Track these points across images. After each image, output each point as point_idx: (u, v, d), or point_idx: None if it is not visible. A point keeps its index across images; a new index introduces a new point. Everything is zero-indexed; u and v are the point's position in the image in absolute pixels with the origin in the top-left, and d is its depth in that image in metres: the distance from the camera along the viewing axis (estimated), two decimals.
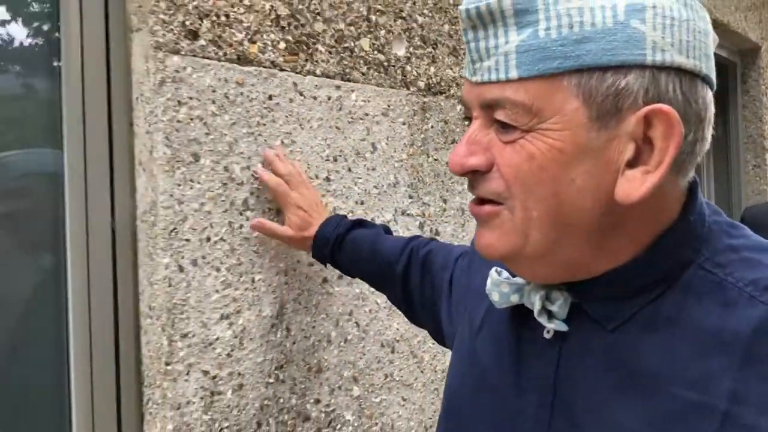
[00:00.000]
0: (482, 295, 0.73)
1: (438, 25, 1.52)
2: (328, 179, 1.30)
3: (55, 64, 1.09)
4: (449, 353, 0.86)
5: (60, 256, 1.08)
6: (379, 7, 1.39)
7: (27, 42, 1.11)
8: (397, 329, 1.42)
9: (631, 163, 0.57)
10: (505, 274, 0.69)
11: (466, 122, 1.53)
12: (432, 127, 1.50)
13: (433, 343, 1.35)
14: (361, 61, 1.36)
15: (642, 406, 0.58)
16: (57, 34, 1.08)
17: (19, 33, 1.10)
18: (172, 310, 1.08)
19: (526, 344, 0.68)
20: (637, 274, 0.61)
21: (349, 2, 1.33)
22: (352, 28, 1.34)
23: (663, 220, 0.61)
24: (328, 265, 1.18)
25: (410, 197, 1.44)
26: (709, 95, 0.60)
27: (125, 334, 1.10)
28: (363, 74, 1.36)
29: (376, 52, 1.38)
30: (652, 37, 0.55)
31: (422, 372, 1.48)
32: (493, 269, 0.69)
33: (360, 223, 1.15)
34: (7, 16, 1.08)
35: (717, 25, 2.82)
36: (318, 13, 1.28)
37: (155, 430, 1.08)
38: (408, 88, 1.45)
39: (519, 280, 0.67)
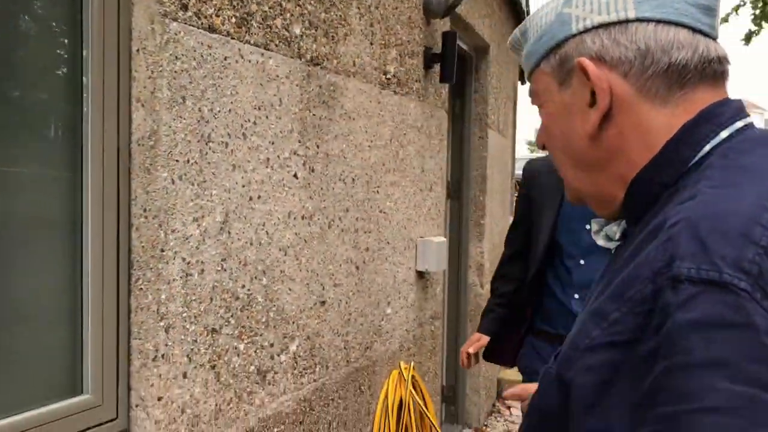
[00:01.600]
0: None
1: (318, 13, 2.01)
2: (254, 123, 1.74)
3: (78, 20, 1.38)
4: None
5: (79, 167, 1.39)
6: None
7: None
8: (290, 238, 1.91)
9: (591, 105, 0.74)
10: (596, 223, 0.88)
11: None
12: (312, 89, 2.00)
13: (314, 255, 1.88)
14: (276, 36, 1.81)
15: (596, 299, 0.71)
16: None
17: None
18: (168, 212, 1.47)
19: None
20: (625, 204, 0.76)
21: None
22: (271, 10, 1.78)
23: (647, 154, 0.73)
24: None
25: (299, 141, 1.94)
26: (652, 28, 0.71)
27: (124, 229, 1.45)
28: (276, 45, 1.81)
29: (284, 30, 1.84)
30: (576, 13, 0.75)
31: (300, 270, 1.99)
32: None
33: None
34: None
35: (466, 27, 3.67)
36: None
37: (146, 300, 1.46)
38: (301, 59, 1.93)
39: (600, 220, 0.86)
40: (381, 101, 2.45)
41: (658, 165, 0.72)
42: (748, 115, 0.74)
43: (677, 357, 0.55)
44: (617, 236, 0.82)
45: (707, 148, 0.70)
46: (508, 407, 5.12)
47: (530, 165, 2.33)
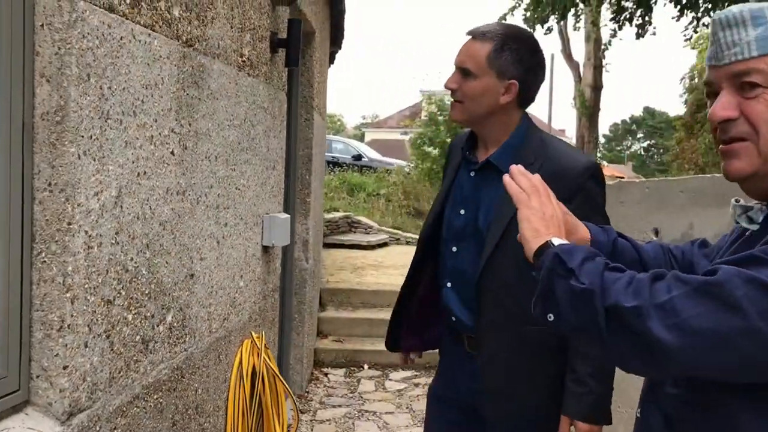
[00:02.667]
0: None
1: None
2: (142, 102, 1.80)
3: None
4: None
5: None
6: None
7: None
8: (167, 213, 1.99)
9: None
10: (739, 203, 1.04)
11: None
12: (187, 70, 2.07)
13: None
14: (160, 18, 1.87)
15: None
16: None
17: None
18: (75, 186, 1.50)
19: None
20: None
21: None
22: None
23: None
24: None
25: (176, 120, 2.01)
26: None
27: (28, 202, 1.46)
28: (160, 27, 1.87)
29: (166, 12, 1.91)
30: None
31: (175, 244, 2.07)
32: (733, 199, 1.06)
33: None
34: None
35: (299, 14, 3.83)
36: None
37: (51, 273, 1.49)
38: (178, 41, 2.00)
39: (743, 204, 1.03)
40: (238, 82, 2.57)
41: None
42: None
43: None
44: (760, 219, 0.99)
45: None
46: (326, 374, 5.44)
47: (453, 140, 2.21)
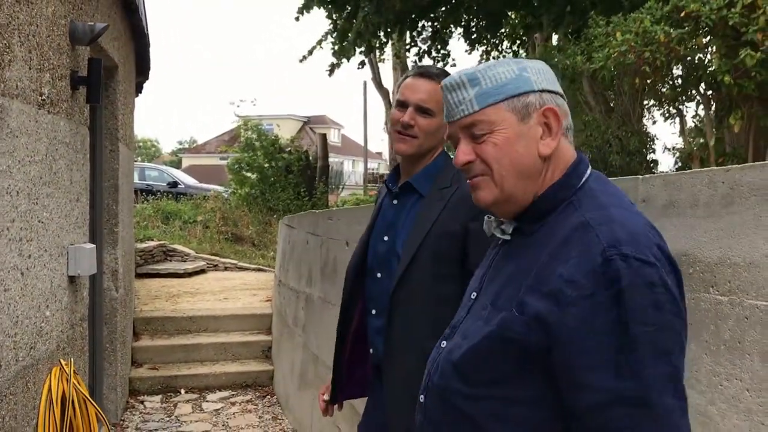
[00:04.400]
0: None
1: None
2: None
3: None
4: None
5: None
6: None
7: None
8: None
9: (542, 137, 1.18)
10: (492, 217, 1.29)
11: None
12: None
13: None
14: None
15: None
16: None
17: None
18: None
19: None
20: (544, 201, 1.19)
21: None
22: None
23: (563, 169, 1.20)
24: None
25: None
26: (561, 99, 1.22)
27: None
28: None
29: None
30: (532, 78, 1.20)
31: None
32: (486, 216, 1.30)
33: None
34: None
35: (101, 50, 3.93)
36: None
37: None
38: None
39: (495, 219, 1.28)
40: (38, 120, 2.69)
41: (560, 185, 1.19)
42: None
43: (633, 302, 1.01)
44: (510, 230, 1.24)
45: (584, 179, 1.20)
46: (142, 401, 5.44)
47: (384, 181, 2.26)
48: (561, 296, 1.05)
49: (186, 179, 23.11)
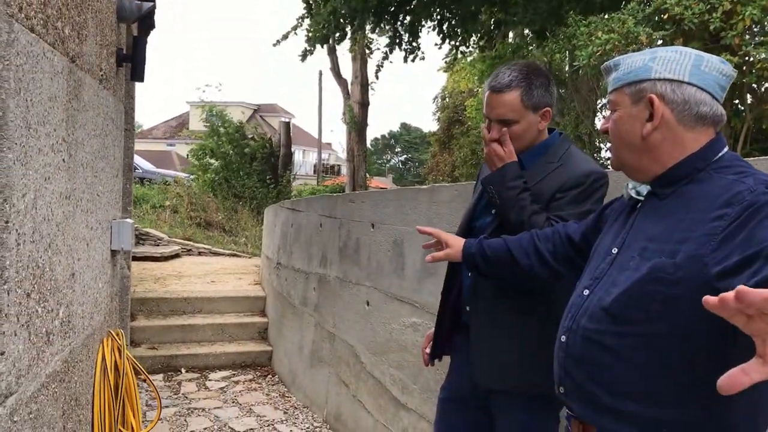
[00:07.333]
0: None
1: (73, 16, 2.27)
2: (47, 113, 1.97)
3: None
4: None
5: None
6: None
7: None
8: (61, 215, 2.15)
9: (647, 120, 1.41)
10: (631, 183, 1.54)
11: None
12: (72, 84, 2.25)
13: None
14: (58, 37, 2.05)
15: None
16: None
17: None
18: (11, 189, 1.68)
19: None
20: (670, 174, 1.41)
21: None
22: (56, 12, 2.02)
23: (683, 151, 1.40)
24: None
25: (65, 129, 2.18)
26: (692, 89, 1.38)
27: None
28: (58, 45, 2.06)
29: (62, 31, 2.09)
30: (654, 67, 1.40)
31: (65, 245, 2.23)
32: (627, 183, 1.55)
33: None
34: None
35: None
36: None
37: None
38: (67, 57, 2.18)
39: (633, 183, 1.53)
40: (99, 95, 2.74)
41: (695, 158, 1.39)
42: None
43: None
44: (644, 192, 1.46)
45: (720, 154, 1.40)
46: (144, 380, 5.46)
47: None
48: (717, 228, 1.24)
49: (143, 164, 22.75)
